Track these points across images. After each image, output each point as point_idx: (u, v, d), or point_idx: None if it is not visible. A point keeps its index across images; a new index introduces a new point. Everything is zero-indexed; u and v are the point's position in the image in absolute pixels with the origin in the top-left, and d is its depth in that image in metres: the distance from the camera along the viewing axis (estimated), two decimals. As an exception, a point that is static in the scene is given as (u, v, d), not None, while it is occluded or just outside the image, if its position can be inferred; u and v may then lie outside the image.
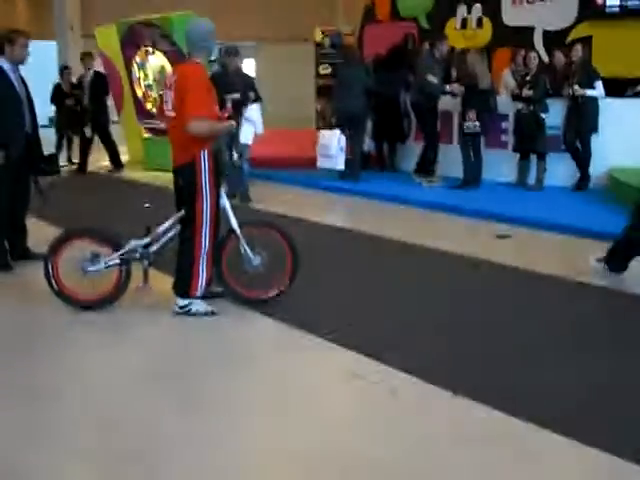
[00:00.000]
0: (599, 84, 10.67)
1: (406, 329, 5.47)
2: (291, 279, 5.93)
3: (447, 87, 11.41)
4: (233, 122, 5.93)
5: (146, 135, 14.67)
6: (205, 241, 5.60)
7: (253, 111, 10.22)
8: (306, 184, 12.10)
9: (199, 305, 5.76)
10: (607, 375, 4.64)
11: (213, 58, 7.74)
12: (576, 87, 10.56)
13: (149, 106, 14.31)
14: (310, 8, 24.48)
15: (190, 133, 5.39)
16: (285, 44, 22.37)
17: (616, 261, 6.78)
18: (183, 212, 5.66)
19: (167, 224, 5.78)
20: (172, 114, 5.59)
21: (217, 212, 5.67)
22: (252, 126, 10.22)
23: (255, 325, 5.62)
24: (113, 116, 15.36)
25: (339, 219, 9.98)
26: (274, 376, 4.70)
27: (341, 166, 11.85)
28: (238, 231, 5.79)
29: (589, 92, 10.57)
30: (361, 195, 11.19)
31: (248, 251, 5.81)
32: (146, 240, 5.82)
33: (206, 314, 5.73)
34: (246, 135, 10.17)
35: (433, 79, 11.38)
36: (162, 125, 13.20)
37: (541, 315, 5.78)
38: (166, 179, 9.65)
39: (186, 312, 5.72)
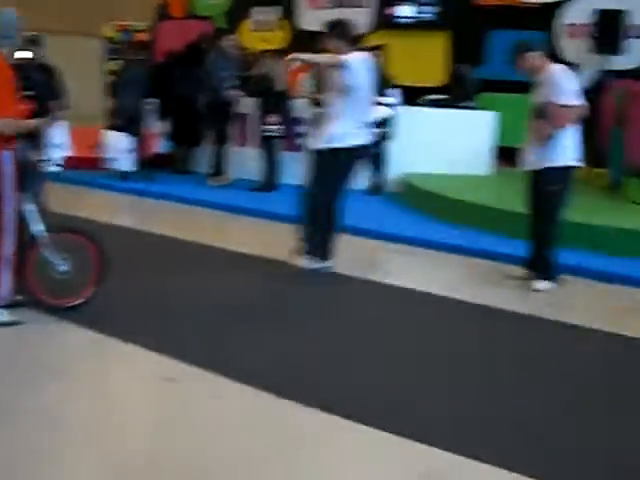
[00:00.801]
0: (394, 91, 11.05)
1: (213, 326, 5.47)
2: (98, 284, 5.72)
3: (231, 92, 11.47)
4: (33, 121, 5.60)
5: None
6: (6, 247, 5.26)
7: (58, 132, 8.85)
8: (98, 185, 11.67)
9: (2, 315, 5.38)
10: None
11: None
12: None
13: None
14: (102, 2, 23.72)
15: None
16: (73, 37, 21.54)
17: (550, 270, 6.88)
18: None
19: None
20: None
21: (20, 217, 5.35)
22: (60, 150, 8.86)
23: (63, 333, 5.34)
24: None
25: (135, 221, 9.77)
26: (87, 384, 4.54)
27: (129, 167, 11.67)
28: (43, 237, 5.50)
29: (385, 99, 10.92)
30: (155, 197, 11.01)
31: (54, 257, 5.52)
32: None
33: (11, 324, 5.36)
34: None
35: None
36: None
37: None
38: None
39: None
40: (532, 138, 6.72)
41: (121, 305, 5.90)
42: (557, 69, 6.70)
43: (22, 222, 5.37)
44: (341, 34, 6.88)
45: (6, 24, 5.37)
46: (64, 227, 5.91)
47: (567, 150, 6.64)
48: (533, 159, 6.76)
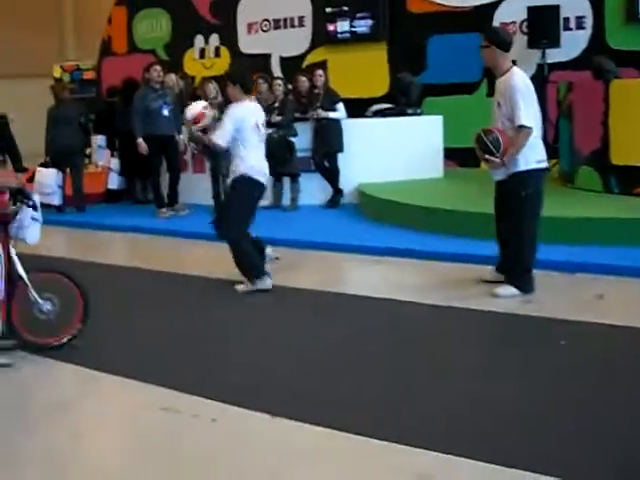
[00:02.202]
0: (340, 106, 11.21)
1: (196, 352, 5.47)
2: (83, 322, 5.76)
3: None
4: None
5: None
6: None
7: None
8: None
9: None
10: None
11: None
12: (319, 111, 11.05)
13: None
14: (38, 43, 23.69)
15: None
16: (23, 80, 21.47)
17: (523, 279, 6.67)
18: None
19: None
20: None
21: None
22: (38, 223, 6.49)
23: (53, 371, 5.39)
24: None
25: (87, 253, 9.74)
26: (85, 420, 4.59)
27: (58, 201, 11.98)
28: (25, 278, 5.57)
29: (331, 114, 11.08)
30: (86, 226, 11.37)
31: (37, 297, 5.60)
32: None
33: (10, 349, 5.53)
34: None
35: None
36: None
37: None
38: None
39: None
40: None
41: (104, 340, 5.91)
42: (517, 77, 6.44)
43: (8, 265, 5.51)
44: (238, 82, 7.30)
45: None
46: (43, 267, 5.99)
47: (532, 152, 6.44)
48: (498, 170, 6.58)
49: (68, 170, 12.23)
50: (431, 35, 13.16)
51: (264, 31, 15.19)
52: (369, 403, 4.54)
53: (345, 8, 13.98)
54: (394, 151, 11.32)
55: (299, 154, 11.09)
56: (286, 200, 11.39)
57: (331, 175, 11.23)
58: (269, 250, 7.76)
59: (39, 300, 5.60)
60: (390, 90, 13.29)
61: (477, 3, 12.76)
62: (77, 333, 5.74)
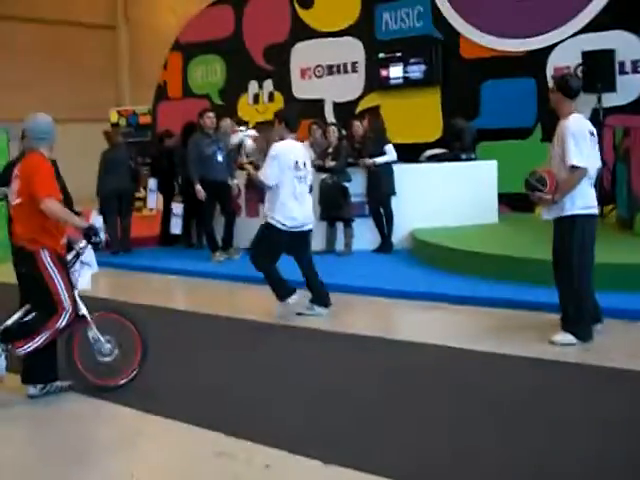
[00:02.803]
0: (388, 148, 11.22)
1: (265, 403, 5.45)
2: (141, 364, 5.83)
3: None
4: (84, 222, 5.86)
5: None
6: (60, 322, 5.55)
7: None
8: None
9: (55, 385, 5.74)
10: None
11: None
12: (366, 160, 11.16)
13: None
14: (98, 89, 24.31)
15: (45, 210, 5.43)
16: (79, 124, 22.00)
17: (579, 325, 6.55)
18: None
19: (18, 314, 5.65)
20: (18, 201, 5.61)
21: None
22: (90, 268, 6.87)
23: (106, 413, 5.44)
24: None
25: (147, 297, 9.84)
26: (140, 462, 4.61)
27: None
28: (89, 317, 5.67)
29: (379, 160, 11.11)
30: (139, 269, 11.53)
31: (99, 337, 5.69)
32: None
33: (63, 390, 5.73)
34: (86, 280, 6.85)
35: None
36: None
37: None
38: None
39: (46, 393, 5.67)
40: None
41: (157, 383, 5.95)
42: (572, 120, 6.48)
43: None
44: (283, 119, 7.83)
45: (43, 127, 5.75)
46: (106, 308, 6.11)
47: (580, 197, 6.40)
48: (549, 209, 6.56)
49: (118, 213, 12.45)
50: (484, 80, 13.15)
51: (317, 77, 15.33)
52: (422, 452, 4.47)
53: (398, 54, 14.05)
54: (448, 196, 11.27)
55: (353, 199, 11.12)
56: (340, 245, 11.39)
57: (385, 221, 11.21)
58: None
59: (102, 339, 5.69)
60: (443, 135, 13.29)
61: (531, 48, 12.72)
62: (134, 377, 5.79)
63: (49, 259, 5.54)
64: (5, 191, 7.40)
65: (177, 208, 12.53)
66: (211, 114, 11.64)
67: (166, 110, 17.65)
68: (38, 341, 5.53)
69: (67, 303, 5.58)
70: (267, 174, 7.64)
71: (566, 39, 12.38)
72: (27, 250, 5.55)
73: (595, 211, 6.60)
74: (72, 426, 5.29)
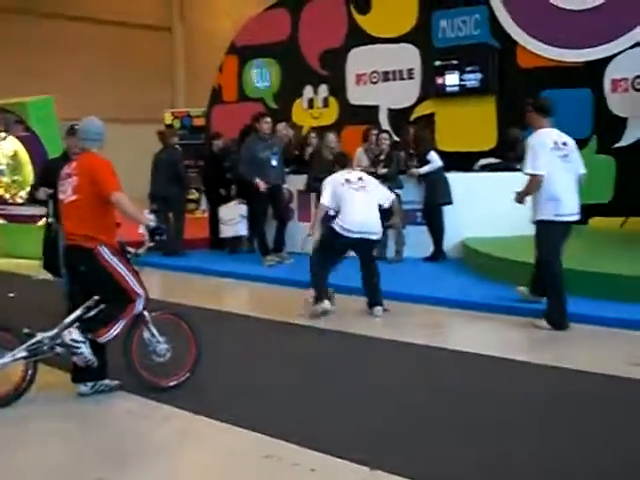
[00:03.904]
0: (431, 156, 11.22)
1: (312, 406, 5.49)
2: (194, 367, 5.92)
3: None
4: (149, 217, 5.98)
5: (-1, 221, 14.15)
6: (137, 307, 5.70)
7: None
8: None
9: (104, 384, 5.82)
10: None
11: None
12: (412, 170, 11.26)
13: (0, 192, 13.97)
14: (152, 90, 24.63)
15: (115, 204, 5.55)
16: (132, 125, 22.34)
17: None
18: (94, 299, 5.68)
19: (75, 315, 5.69)
20: (73, 198, 5.67)
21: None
22: None
23: (153, 413, 5.51)
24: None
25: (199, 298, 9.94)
26: (188, 464, 4.69)
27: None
28: (147, 316, 5.76)
29: (423, 170, 11.10)
30: (191, 271, 11.73)
31: (156, 336, 5.79)
32: (54, 331, 5.64)
33: (113, 389, 5.82)
34: None
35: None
36: (14, 211, 13.06)
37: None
38: (26, 266, 9.39)
39: (95, 391, 5.77)
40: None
41: (207, 384, 6.01)
42: (534, 134, 7.50)
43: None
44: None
45: (96, 128, 5.89)
46: (163, 309, 6.19)
47: (550, 205, 7.32)
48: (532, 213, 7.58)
49: (171, 215, 12.57)
50: (541, 90, 13.01)
51: (373, 83, 15.33)
52: (469, 459, 4.47)
53: (454, 61, 14.00)
54: (500, 206, 11.15)
55: (404, 206, 11.11)
56: (390, 252, 11.38)
57: (435, 229, 11.20)
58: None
59: (159, 339, 5.78)
60: (498, 144, 13.20)
61: (589, 58, 12.58)
62: (186, 379, 5.87)
63: (109, 252, 5.63)
64: (47, 191, 7.54)
65: (242, 210, 12.37)
66: (269, 119, 11.73)
67: (220, 113, 17.77)
68: (117, 328, 5.67)
69: (138, 288, 5.70)
70: (324, 196, 8.48)
71: (624, 50, 12.24)
72: (84, 248, 5.62)
73: (566, 219, 7.42)
74: (121, 424, 5.38)
